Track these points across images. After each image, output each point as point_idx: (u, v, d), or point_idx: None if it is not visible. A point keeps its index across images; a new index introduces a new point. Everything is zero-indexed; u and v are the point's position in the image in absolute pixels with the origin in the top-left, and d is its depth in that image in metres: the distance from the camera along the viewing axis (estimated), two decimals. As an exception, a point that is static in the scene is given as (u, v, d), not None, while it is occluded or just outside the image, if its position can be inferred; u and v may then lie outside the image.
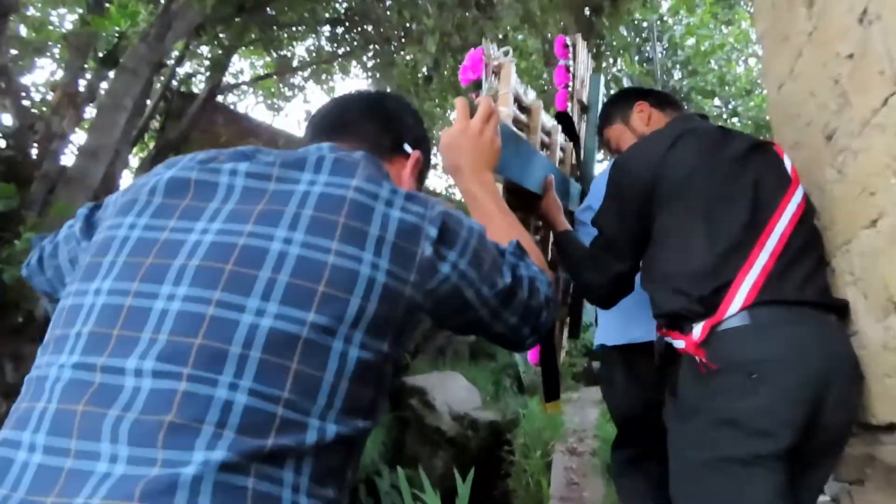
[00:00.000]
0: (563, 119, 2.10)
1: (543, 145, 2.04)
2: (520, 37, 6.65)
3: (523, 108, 1.87)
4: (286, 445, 0.70)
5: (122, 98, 4.09)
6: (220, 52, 7.87)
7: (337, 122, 1.05)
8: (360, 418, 0.78)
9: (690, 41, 7.98)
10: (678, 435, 1.45)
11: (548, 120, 2.04)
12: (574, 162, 2.24)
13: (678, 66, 8.39)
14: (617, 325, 2.18)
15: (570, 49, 2.33)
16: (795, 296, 1.35)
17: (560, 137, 2.09)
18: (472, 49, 1.75)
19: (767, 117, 10.07)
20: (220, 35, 7.28)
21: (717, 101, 8.97)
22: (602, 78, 2.41)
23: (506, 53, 1.77)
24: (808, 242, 1.45)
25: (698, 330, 1.38)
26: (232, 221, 0.80)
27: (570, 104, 2.11)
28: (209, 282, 0.75)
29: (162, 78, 7.47)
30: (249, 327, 0.72)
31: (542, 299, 0.99)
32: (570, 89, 2.20)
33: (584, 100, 2.33)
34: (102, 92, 4.79)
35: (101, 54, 5.02)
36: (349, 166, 0.86)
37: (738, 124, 9.15)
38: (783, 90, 1.89)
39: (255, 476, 0.67)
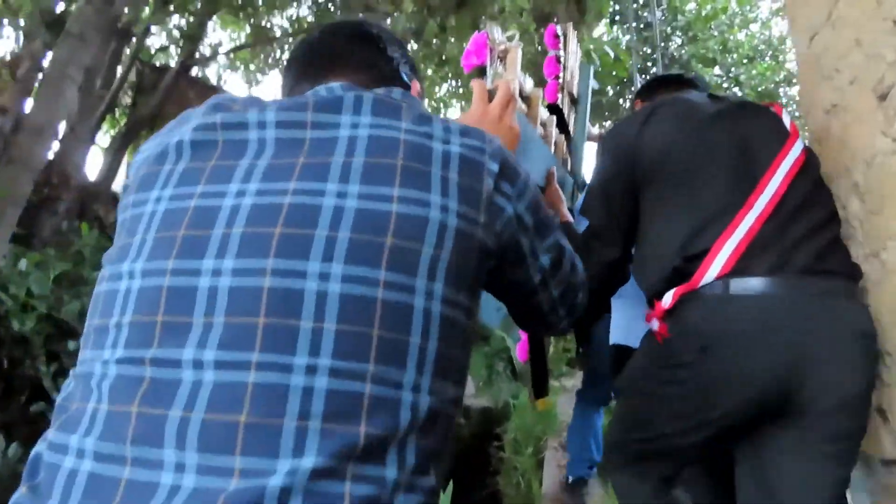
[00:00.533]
0: (555, 111, 2.07)
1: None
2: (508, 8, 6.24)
3: (523, 97, 1.82)
4: (381, 434, 0.63)
5: (68, 67, 3.71)
6: (191, 20, 7.46)
7: (327, 54, 0.94)
8: (452, 386, 0.72)
9: (691, 6, 7.53)
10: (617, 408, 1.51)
11: (543, 111, 2.02)
12: (565, 155, 2.17)
13: (678, 31, 7.94)
14: (629, 325, 2.15)
15: (561, 39, 2.29)
16: (782, 261, 1.27)
17: (554, 130, 2.06)
18: (476, 32, 1.70)
19: (772, 85, 9.92)
20: (189, 3, 6.87)
21: (718, 70, 8.54)
22: (592, 69, 2.36)
23: (510, 38, 1.72)
24: (809, 200, 1.34)
25: (669, 297, 1.33)
26: (271, 180, 0.72)
27: (560, 96, 2.06)
28: (258, 249, 0.67)
29: (128, 50, 7.06)
30: (317, 295, 0.65)
31: (579, 278, 0.96)
32: (560, 80, 2.12)
33: (574, 92, 2.26)
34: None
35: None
36: (392, 106, 0.78)
37: (740, 93, 8.76)
38: (817, 41, 1.53)
39: (353, 480, 0.61)
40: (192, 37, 7.66)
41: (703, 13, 7.58)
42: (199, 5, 7.12)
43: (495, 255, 0.78)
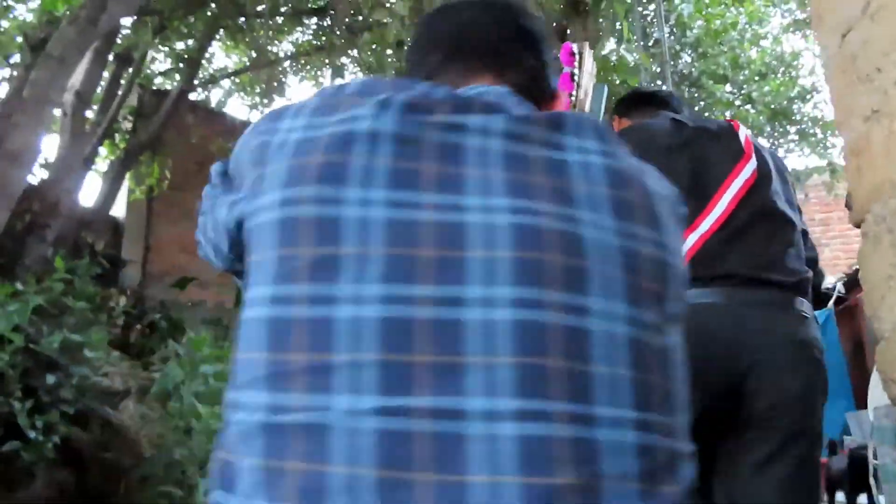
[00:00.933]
0: None
1: None
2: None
3: None
4: (676, 492, 0.58)
5: (48, 90, 3.57)
6: (191, 45, 7.35)
7: (485, 46, 0.82)
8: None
9: (700, 21, 7.36)
10: None
11: None
12: None
13: (687, 48, 7.76)
14: None
15: (577, 57, 2.20)
16: (724, 273, 1.33)
17: None
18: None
19: (785, 102, 9.70)
20: (187, 26, 6.76)
21: (729, 87, 8.35)
22: (606, 89, 2.31)
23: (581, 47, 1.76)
24: (757, 217, 1.41)
25: None
26: (516, 196, 0.63)
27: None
28: (537, 278, 0.59)
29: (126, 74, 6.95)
30: (607, 337, 0.59)
31: None
32: (573, 98, 2.00)
33: (587, 110, 2.19)
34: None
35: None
36: (603, 131, 0.72)
37: (752, 111, 8.55)
38: (852, 38, 1.32)
39: None
40: (193, 61, 7.55)
41: (713, 29, 7.39)
42: (198, 29, 7.02)
43: None
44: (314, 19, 8.10)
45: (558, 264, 0.60)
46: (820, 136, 9.29)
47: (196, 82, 7.85)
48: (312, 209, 0.61)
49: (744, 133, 1.54)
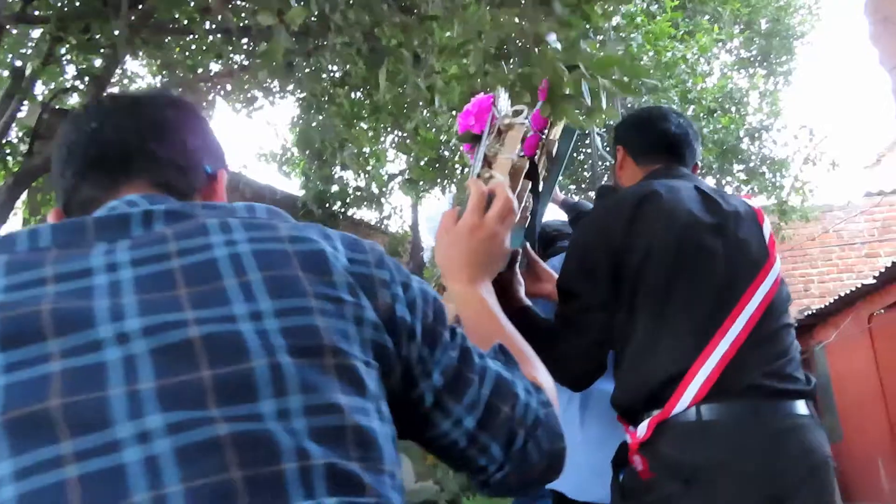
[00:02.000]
0: (531, 168, 1.92)
1: None
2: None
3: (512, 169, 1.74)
4: None
5: None
6: (96, 59, 6.62)
7: (115, 153, 0.78)
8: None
9: (651, 53, 7.02)
10: None
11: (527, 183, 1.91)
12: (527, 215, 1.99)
13: (637, 80, 7.44)
14: (577, 477, 1.85)
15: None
16: (754, 385, 1.33)
17: (527, 195, 1.93)
18: (482, 95, 1.71)
19: (734, 140, 9.52)
20: (89, 40, 6.05)
21: (678, 122, 8.05)
22: (576, 132, 2.23)
23: (517, 113, 1.70)
24: (779, 322, 1.42)
25: (644, 427, 1.35)
26: (154, 313, 0.60)
27: (538, 152, 1.92)
28: (188, 401, 0.56)
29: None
30: (289, 437, 0.56)
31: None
32: (542, 137, 1.95)
33: (553, 151, 2.10)
34: None
35: None
36: (253, 213, 0.73)
37: (702, 149, 8.26)
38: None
39: None
40: (99, 78, 6.80)
41: (663, 61, 7.05)
42: (102, 44, 6.30)
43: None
44: (245, 39, 7.45)
45: (217, 377, 0.57)
46: (769, 175, 9.08)
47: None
48: None
49: (767, 226, 1.52)
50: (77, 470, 0.51)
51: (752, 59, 10.53)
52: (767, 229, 1.51)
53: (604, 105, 2.43)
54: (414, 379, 0.72)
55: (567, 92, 2.49)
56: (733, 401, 1.31)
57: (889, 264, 11.49)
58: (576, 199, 2.88)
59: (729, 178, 9.22)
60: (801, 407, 1.35)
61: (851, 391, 7.95)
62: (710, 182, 9.75)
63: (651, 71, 7.00)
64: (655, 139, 1.69)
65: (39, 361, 0.56)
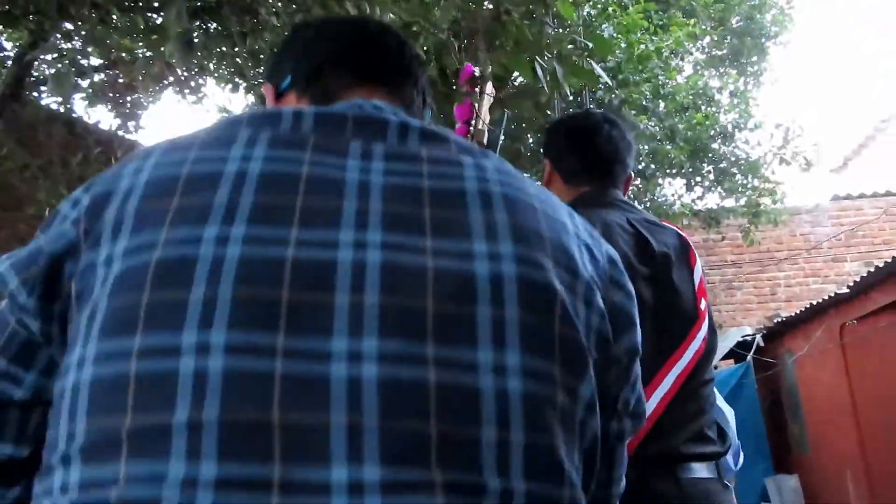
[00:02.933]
0: None
1: None
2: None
3: None
4: None
5: None
6: (24, 35, 6.04)
7: (387, 65, 0.81)
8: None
9: (622, 44, 6.66)
10: None
11: None
12: None
13: (607, 73, 7.03)
14: None
15: (478, 83, 2.22)
16: (673, 453, 1.33)
17: None
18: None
19: (706, 139, 9.25)
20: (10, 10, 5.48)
21: (651, 119, 7.68)
22: (506, 116, 2.59)
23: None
24: (702, 379, 1.41)
25: None
26: (394, 231, 0.58)
27: None
28: (409, 329, 0.53)
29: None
30: (496, 395, 0.54)
31: None
32: (471, 128, 2.42)
33: (485, 140, 2.52)
34: None
35: None
36: (497, 156, 0.71)
37: (671, 146, 7.92)
38: None
39: None
40: (22, 59, 6.20)
41: (636, 54, 6.69)
42: (25, 22, 5.72)
43: None
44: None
45: (439, 311, 0.55)
46: (739, 178, 8.82)
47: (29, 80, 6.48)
48: (162, 253, 0.55)
49: (699, 268, 1.48)
50: (282, 367, 0.50)
51: (723, 57, 10.28)
52: (698, 272, 1.45)
53: (567, 88, 2.09)
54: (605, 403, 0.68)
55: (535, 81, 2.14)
56: (654, 466, 1.29)
57: (855, 270, 11.46)
58: None
59: (699, 178, 8.94)
60: (712, 470, 1.37)
61: (820, 401, 7.73)
62: (679, 183, 9.49)
63: (622, 64, 6.64)
64: (584, 158, 1.58)
65: (277, 244, 0.54)
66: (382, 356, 0.52)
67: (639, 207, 1.59)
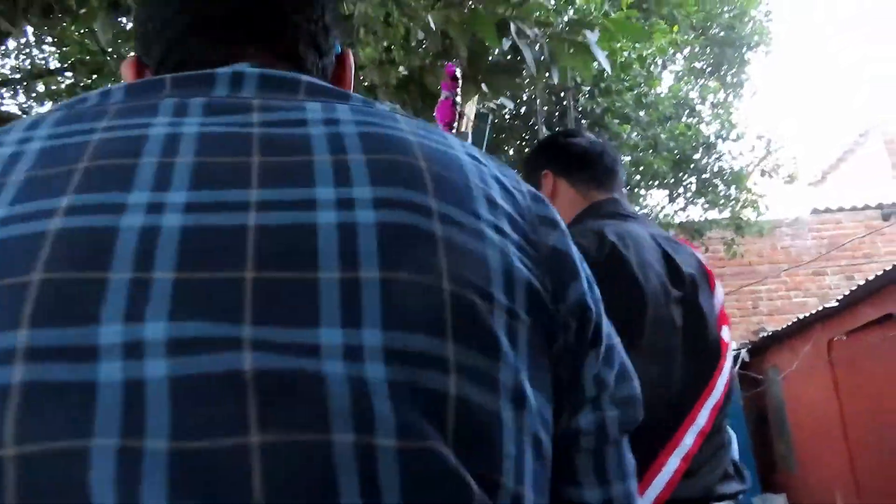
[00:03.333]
0: None
1: None
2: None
3: None
4: None
5: None
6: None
7: (235, 7, 0.63)
8: None
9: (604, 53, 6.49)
10: None
11: None
12: None
13: (587, 81, 6.84)
14: None
15: (460, 82, 2.00)
16: (707, 493, 1.27)
17: None
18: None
19: (688, 150, 9.14)
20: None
21: (634, 128, 7.50)
22: (490, 119, 2.29)
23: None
24: (725, 412, 1.34)
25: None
26: (206, 187, 0.45)
27: None
28: (216, 308, 0.40)
29: None
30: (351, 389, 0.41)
31: None
32: (453, 130, 1.93)
33: (469, 141, 2.35)
34: None
35: None
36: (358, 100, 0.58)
37: (654, 157, 7.75)
38: None
39: None
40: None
41: (619, 62, 6.51)
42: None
43: None
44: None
45: (259, 280, 0.41)
46: (722, 188, 8.68)
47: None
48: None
49: (720, 292, 1.40)
50: (26, 375, 0.37)
51: (703, 68, 10.20)
52: (720, 298, 1.38)
53: (555, 76, 1.84)
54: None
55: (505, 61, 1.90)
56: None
57: (835, 283, 11.43)
58: None
59: (682, 189, 8.79)
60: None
61: (807, 419, 7.56)
62: (661, 195, 9.34)
63: (606, 74, 6.46)
64: (592, 162, 1.50)
65: (43, 216, 0.42)
66: (176, 343, 0.38)
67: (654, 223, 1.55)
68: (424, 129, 0.53)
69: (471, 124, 1.95)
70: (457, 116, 1.86)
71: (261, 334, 0.39)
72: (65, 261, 0.40)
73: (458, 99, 1.85)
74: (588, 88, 6.76)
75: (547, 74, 1.97)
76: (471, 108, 1.84)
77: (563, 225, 0.56)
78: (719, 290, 1.40)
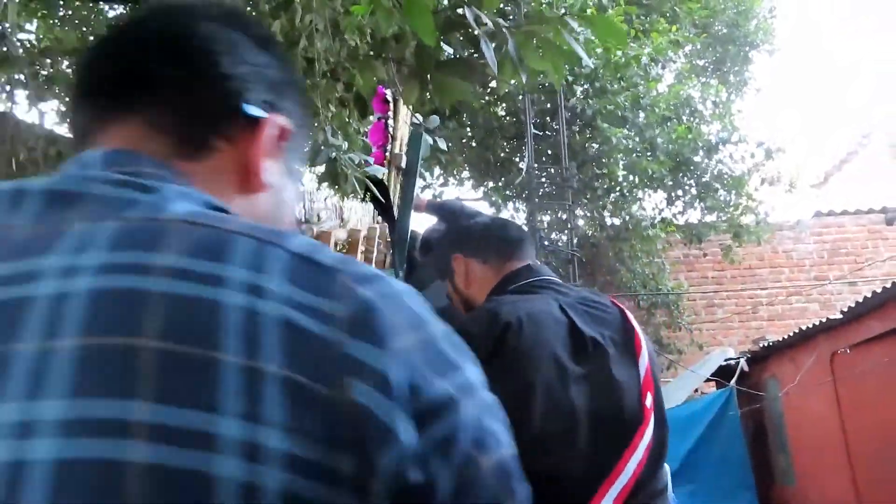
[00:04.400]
0: (378, 186, 1.96)
1: None
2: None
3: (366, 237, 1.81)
4: None
5: None
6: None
7: (109, 73, 0.59)
8: None
9: (598, 50, 6.16)
10: None
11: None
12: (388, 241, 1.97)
13: (582, 80, 6.53)
14: None
15: (391, 104, 2.03)
16: None
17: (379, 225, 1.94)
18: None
19: (688, 152, 8.86)
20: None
21: (627, 131, 7.20)
22: (426, 137, 2.22)
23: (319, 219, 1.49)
24: (652, 489, 1.27)
25: None
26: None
27: (386, 167, 1.51)
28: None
29: None
30: None
31: None
32: (387, 152, 1.72)
33: (402, 163, 2.28)
34: None
35: None
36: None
37: (651, 159, 7.46)
38: None
39: None
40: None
41: (614, 61, 6.21)
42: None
43: None
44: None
45: None
46: (722, 193, 8.40)
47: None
48: None
49: (645, 353, 1.32)
50: None
51: (705, 67, 9.91)
52: (644, 361, 1.31)
53: (523, 77, 1.57)
54: None
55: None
56: None
57: (837, 289, 11.18)
58: (488, 211, 3.01)
59: (680, 192, 8.51)
60: None
61: (807, 432, 7.29)
62: (660, 197, 9.06)
63: (600, 72, 6.16)
64: (496, 237, 1.54)
65: None
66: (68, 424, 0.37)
67: (574, 287, 1.50)
68: (201, 256, 0.43)
69: (405, 144, 1.75)
70: (389, 139, 1.67)
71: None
72: None
73: (391, 122, 1.65)
74: (582, 88, 6.47)
75: (512, 82, 1.70)
76: (404, 131, 1.62)
77: (375, 362, 0.42)
78: (646, 352, 1.34)
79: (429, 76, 1.50)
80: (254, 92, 0.59)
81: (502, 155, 7.03)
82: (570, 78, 6.17)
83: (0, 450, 0.37)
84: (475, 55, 1.63)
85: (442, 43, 1.54)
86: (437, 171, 9.32)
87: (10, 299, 0.41)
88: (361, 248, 1.65)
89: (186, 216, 0.46)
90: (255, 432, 0.38)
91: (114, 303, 0.40)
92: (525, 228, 1.58)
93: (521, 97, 6.38)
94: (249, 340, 0.40)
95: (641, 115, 7.08)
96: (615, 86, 6.36)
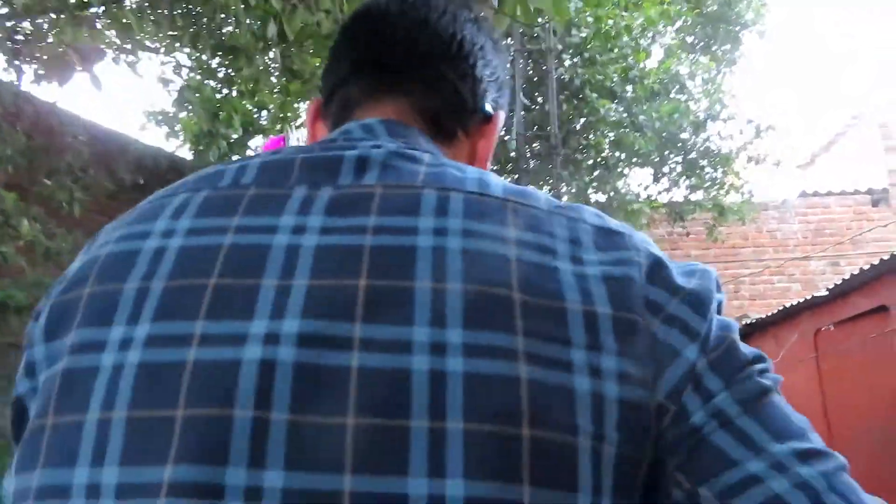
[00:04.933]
0: None
1: None
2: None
3: None
4: None
5: None
6: None
7: (396, 54, 0.68)
8: None
9: (589, 19, 6.03)
10: None
11: None
12: None
13: (570, 50, 6.39)
14: None
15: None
16: None
17: None
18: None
19: (676, 129, 8.77)
20: None
21: (616, 104, 7.09)
22: None
23: None
24: None
25: None
26: (316, 317, 0.49)
27: None
28: (323, 462, 0.48)
29: None
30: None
31: None
32: None
33: None
34: None
35: None
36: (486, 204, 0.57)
37: (638, 135, 7.37)
38: None
39: None
40: None
41: (604, 30, 6.08)
42: None
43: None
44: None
45: (360, 428, 0.46)
46: (709, 170, 8.32)
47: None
48: (66, 363, 0.52)
49: None
50: None
51: (695, 43, 9.81)
52: None
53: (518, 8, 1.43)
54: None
55: None
56: None
57: (820, 269, 11.21)
58: None
59: (666, 170, 8.43)
60: None
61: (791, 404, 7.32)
62: (646, 173, 8.98)
63: (589, 40, 6.04)
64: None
65: (178, 344, 0.48)
66: (289, 493, 0.44)
67: None
68: (529, 230, 0.54)
69: None
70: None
71: (359, 488, 0.43)
72: (202, 398, 0.45)
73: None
74: (570, 57, 6.34)
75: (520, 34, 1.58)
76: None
77: (672, 307, 0.54)
78: None
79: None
80: (489, 92, 0.70)
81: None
82: (559, 46, 6.04)
83: (423, 363, 0.46)
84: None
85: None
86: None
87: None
88: None
89: (506, 195, 0.56)
90: (598, 358, 0.49)
91: (483, 260, 0.50)
92: None
93: (509, 64, 6.27)
94: (584, 293, 0.51)
95: (630, 88, 6.96)
96: (604, 56, 6.25)
